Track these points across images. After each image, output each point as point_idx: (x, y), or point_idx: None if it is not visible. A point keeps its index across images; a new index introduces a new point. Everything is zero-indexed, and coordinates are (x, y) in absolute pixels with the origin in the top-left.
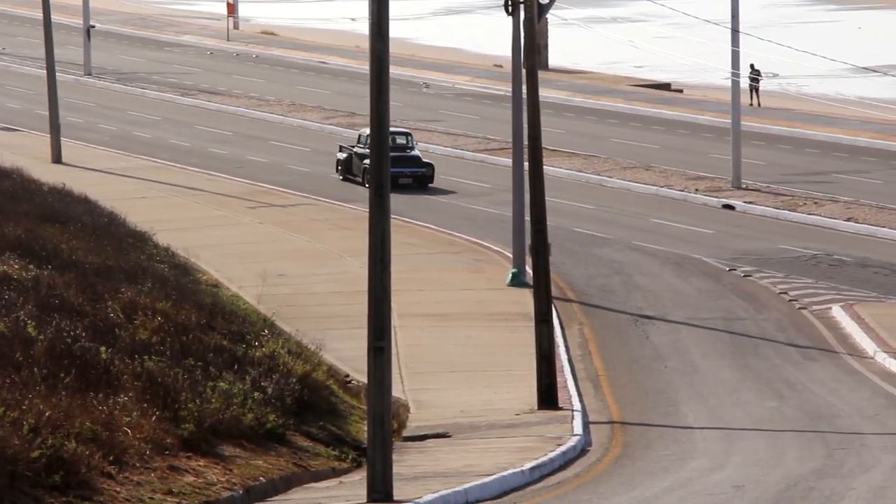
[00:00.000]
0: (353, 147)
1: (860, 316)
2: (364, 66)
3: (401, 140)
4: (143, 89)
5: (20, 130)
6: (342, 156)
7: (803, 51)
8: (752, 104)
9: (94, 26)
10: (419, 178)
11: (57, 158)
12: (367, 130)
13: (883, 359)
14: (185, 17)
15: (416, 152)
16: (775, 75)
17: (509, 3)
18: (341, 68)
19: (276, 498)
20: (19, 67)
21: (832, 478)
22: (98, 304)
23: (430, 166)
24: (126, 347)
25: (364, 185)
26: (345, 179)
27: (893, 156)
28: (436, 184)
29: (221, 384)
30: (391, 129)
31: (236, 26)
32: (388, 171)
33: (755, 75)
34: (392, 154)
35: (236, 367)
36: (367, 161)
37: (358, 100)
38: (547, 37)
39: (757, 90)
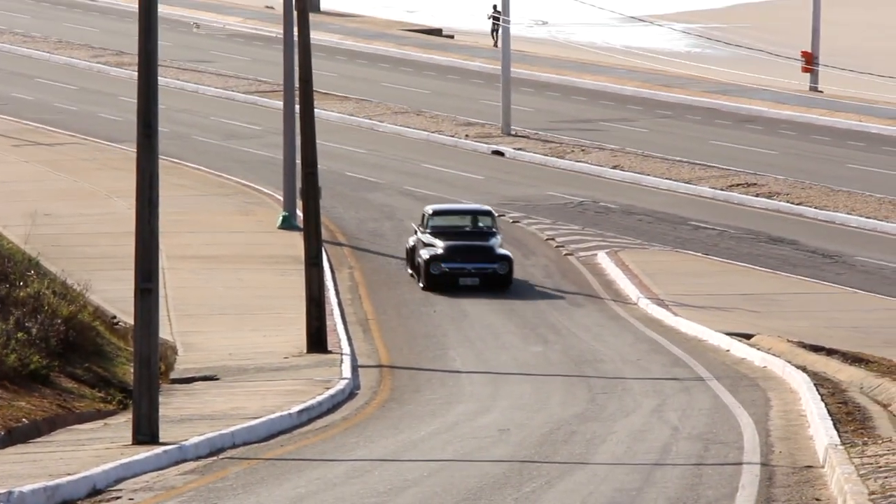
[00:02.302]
0: (417, 232)
1: (624, 262)
2: (134, 5)
3: (476, 221)
4: None
5: None
6: (410, 242)
7: None
8: (494, 45)
9: None
10: (489, 278)
11: None
12: (432, 209)
13: (646, 305)
14: None
15: (493, 241)
16: (545, 23)
17: None
18: (110, 6)
19: (39, 440)
20: None
21: (594, 421)
22: None
23: (505, 261)
24: None
25: (418, 283)
26: (412, 274)
27: (658, 105)
28: (209, 127)
29: None
30: (465, 205)
31: None
32: (157, 109)
33: (496, 16)
34: (455, 242)
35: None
36: (424, 252)
37: (128, 38)
38: None
39: (497, 31)
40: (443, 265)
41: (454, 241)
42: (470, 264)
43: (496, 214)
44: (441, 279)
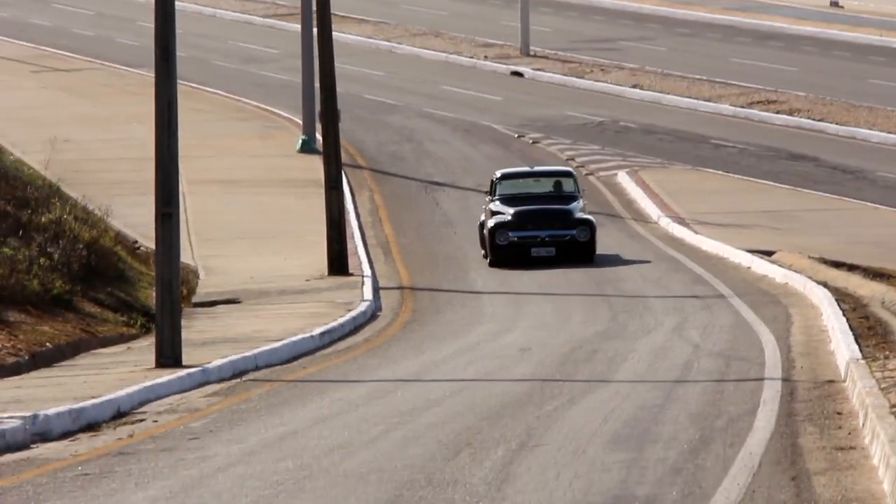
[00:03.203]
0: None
1: (645, 182)
2: None
3: (551, 184)
4: None
5: None
6: (481, 216)
7: None
8: None
9: None
10: (567, 248)
11: None
12: (500, 173)
13: (666, 223)
14: None
15: (573, 205)
16: None
17: None
18: None
19: (63, 364)
20: None
21: (615, 340)
22: None
23: (586, 226)
24: None
25: (485, 258)
26: (484, 255)
27: (677, 23)
28: (227, 51)
29: (6, 250)
30: (538, 167)
31: None
32: (174, 34)
33: None
34: (526, 207)
35: (21, 233)
36: (491, 222)
37: None
38: None
39: None
40: (510, 234)
41: (524, 206)
42: (544, 232)
43: (576, 175)
44: (510, 251)
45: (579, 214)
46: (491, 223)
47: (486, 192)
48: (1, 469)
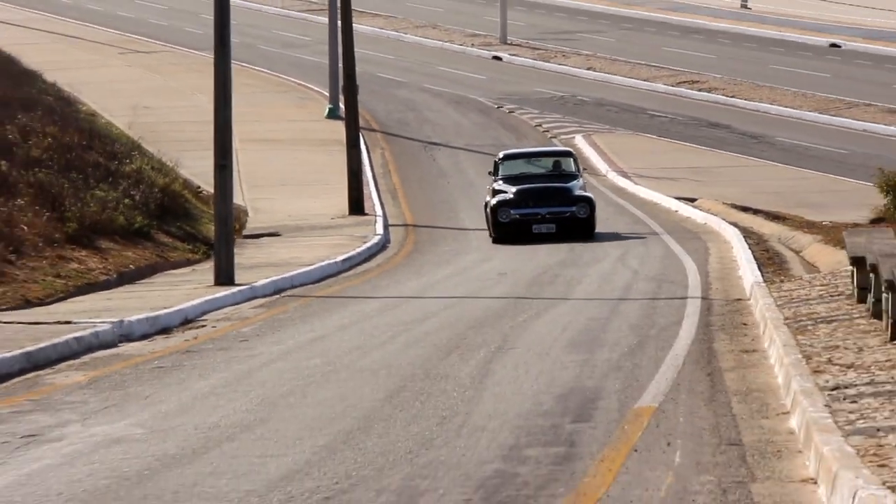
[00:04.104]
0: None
1: (596, 143)
2: None
3: (551, 164)
4: None
5: None
6: (486, 197)
7: None
8: None
9: None
10: (567, 224)
11: None
12: (502, 154)
13: (613, 176)
14: None
15: (573, 183)
16: None
17: None
18: None
19: (142, 281)
20: None
21: (573, 267)
22: None
23: (585, 203)
24: (21, 162)
25: (490, 236)
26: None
27: (622, 19)
28: (258, 36)
29: (98, 192)
30: (539, 147)
31: None
32: (229, 24)
33: None
34: (527, 185)
35: (110, 179)
36: (494, 200)
37: None
38: None
39: None
40: (512, 211)
41: (525, 185)
42: (544, 209)
43: (576, 156)
44: (511, 227)
45: (578, 192)
46: (493, 201)
47: (489, 173)
48: (95, 362)
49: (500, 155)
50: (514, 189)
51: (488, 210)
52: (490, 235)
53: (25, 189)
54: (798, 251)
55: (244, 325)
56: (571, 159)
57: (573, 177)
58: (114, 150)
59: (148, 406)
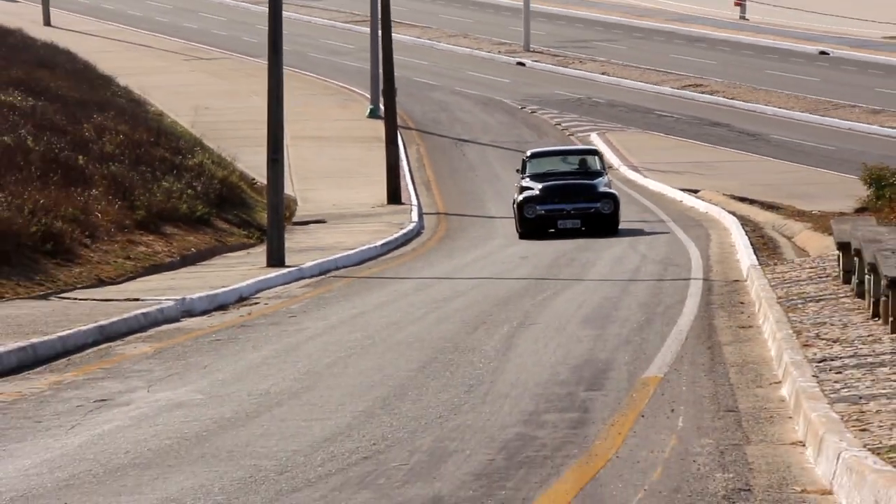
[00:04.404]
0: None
1: (609, 140)
2: None
3: (578, 162)
4: None
5: (19, 1)
6: (515, 195)
7: None
8: None
9: None
10: (592, 219)
11: (47, 22)
12: (530, 152)
13: (625, 170)
14: None
15: (598, 180)
16: None
17: None
18: None
19: (203, 263)
20: None
21: (587, 251)
22: (77, 125)
23: (609, 199)
24: (97, 156)
25: (517, 231)
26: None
27: (634, 29)
28: (306, 44)
29: (164, 183)
30: (565, 146)
31: None
32: (281, 34)
33: None
34: (553, 182)
35: (175, 172)
36: (520, 197)
37: None
38: None
39: None
40: (538, 207)
41: (551, 182)
42: (569, 205)
43: (602, 154)
44: (537, 223)
45: (603, 189)
46: (520, 198)
47: (517, 171)
48: (160, 335)
49: (528, 153)
50: (540, 186)
51: (515, 206)
52: (517, 230)
53: (100, 181)
54: (790, 237)
55: (293, 303)
56: (597, 157)
57: (598, 174)
58: (178, 146)
59: (206, 374)
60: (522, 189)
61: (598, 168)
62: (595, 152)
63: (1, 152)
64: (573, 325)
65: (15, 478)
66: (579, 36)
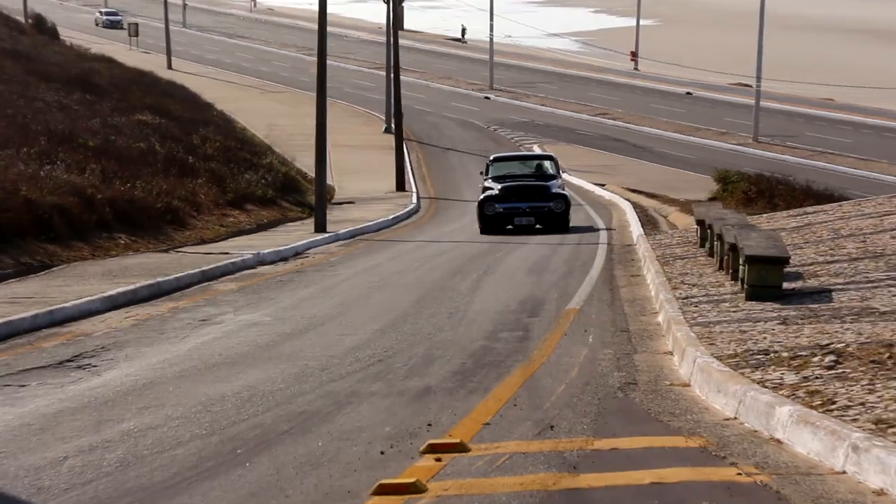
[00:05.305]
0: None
1: (545, 150)
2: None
3: (535, 166)
4: (209, 34)
5: (151, 53)
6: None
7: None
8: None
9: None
10: (545, 217)
11: (169, 66)
12: (493, 156)
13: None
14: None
15: (552, 182)
16: (509, 36)
17: None
18: (310, 26)
19: (271, 229)
20: (152, 22)
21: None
22: (188, 136)
23: (561, 199)
24: (201, 157)
25: (481, 230)
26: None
27: (564, 76)
28: (342, 82)
29: (246, 176)
30: (524, 152)
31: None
32: (325, 76)
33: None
34: (510, 183)
35: (253, 168)
36: (482, 196)
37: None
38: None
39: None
40: (497, 206)
41: (510, 183)
42: (524, 203)
43: (557, 159)
44: (496, 219)
45: (556, 190)
46: (481, 197)
47: (481, 173)
48: (242, 277)
49: (491, 157)
50: (499, 186)
51: (476, 204)
52: (479, 226)
53: (203, 173)
54: (665, 216)
55: (331, 257)
56: (552, 162)
57: (552, 177)
58: (255, 150)
59: (273, 304)
60: (485, 189)
61: (553, 172)
62: (551, 157)
63: (138, 154)
64: (520, 274)
65: (146, 370)
66: (526, 79)
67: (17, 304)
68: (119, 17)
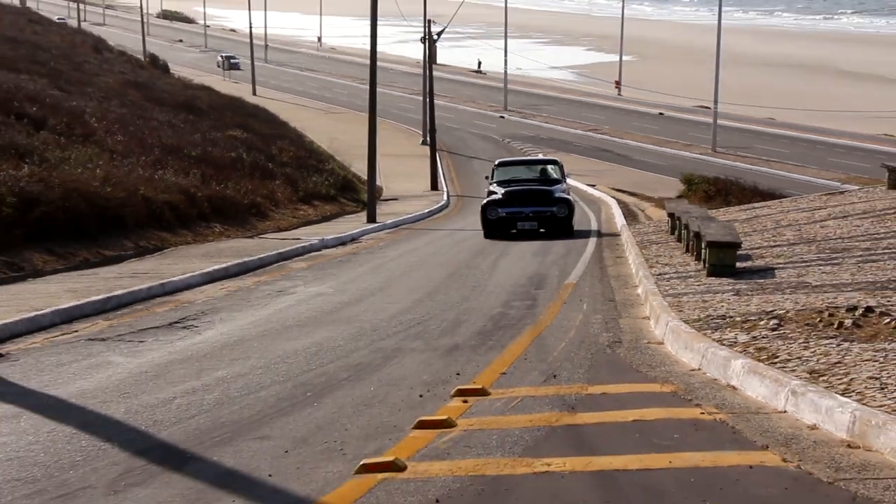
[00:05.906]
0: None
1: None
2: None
3: (539, 171)
4: (284, 68)
5: (240, 82)
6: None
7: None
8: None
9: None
10: (548, 222)
11: (254, 93)
12: (498, 161)
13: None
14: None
15: (556, 187)
16: (519, 68)
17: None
18: (362, 60)
19: (333, 220)
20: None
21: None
22: (268, 147)
23: (564, 204)
24: (278, 163)
25: (484, 234)
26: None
27: (562, 100)
28: (388, 104)
29: (313, 178)
30: (528, 157)
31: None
32: (375, 100)
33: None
34: (514, 187)
35: (319, 172)
36: (486, 200)
37: (364, 73)
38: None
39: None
40: (500, 210)
41: (513, 187)
42: (528, 208)
43: (562, 164)
44: (499, 224)
45: (559, 195)
46: (485, 201)
47: (486, 178)
48: (311, 257)
49: (496, 162)
50: (503, 191)
51: (480, 208)
52: (483, 230)
53: (280, 176)
54: (643, 210)
55: (380, 242)
56: (557, 167)
57: (557, 182)
58: (320, 158)
59: (335, 278)
60: (489, 193)
61: (557, 176)
62: (555, 162)
63: (229, 161)
64: (528, 255)
65: (236, 330)
66: (533, 103)
67: (136, 279)
68: (237, 60)
